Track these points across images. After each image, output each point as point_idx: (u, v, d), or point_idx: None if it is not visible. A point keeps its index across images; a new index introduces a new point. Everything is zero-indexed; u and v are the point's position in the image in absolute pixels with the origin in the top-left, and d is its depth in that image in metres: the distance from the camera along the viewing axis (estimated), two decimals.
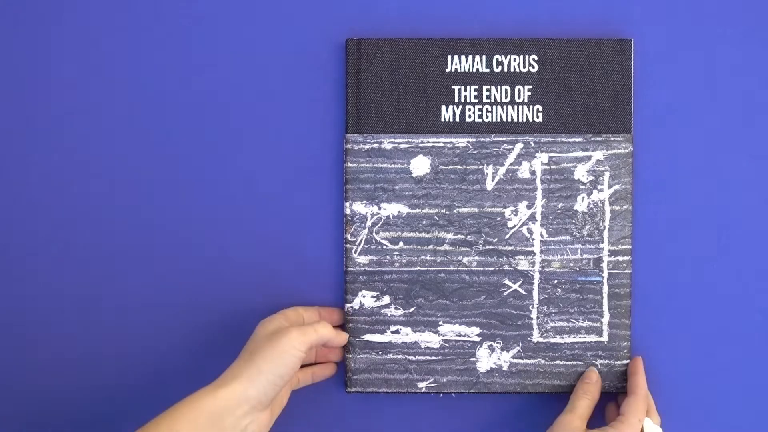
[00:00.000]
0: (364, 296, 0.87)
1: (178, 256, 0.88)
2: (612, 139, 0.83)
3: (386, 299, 0.87)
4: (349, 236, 0.86)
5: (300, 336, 0.78)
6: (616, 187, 0.83)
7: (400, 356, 0.87)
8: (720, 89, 0.84)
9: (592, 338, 0.85)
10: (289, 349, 0.77)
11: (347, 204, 0.86)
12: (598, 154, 0.83)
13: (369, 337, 0.87)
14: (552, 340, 0.85)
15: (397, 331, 0.87)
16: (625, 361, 0.84)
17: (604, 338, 0.85)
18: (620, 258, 0.84)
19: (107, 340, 0.88)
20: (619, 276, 0.84)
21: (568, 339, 0.85)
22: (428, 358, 0.87)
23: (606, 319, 0.84)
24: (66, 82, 0.87)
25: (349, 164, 0.86)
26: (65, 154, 0.87)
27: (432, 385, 0.87)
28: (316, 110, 0.88)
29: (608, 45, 0.82)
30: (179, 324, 0.88)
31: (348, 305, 0.87)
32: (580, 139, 0.83)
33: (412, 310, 0.87)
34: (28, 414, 0.88)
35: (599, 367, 0.85)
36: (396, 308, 0.87)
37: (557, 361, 0.85)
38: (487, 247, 0.85)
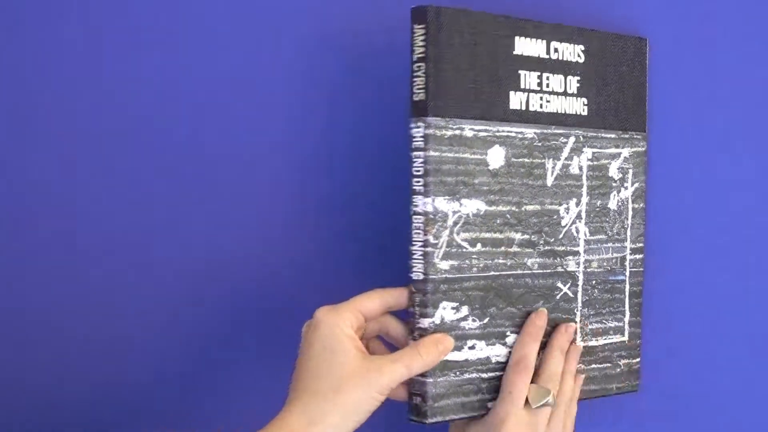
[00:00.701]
0: (445, 308, 0.74)
1: (172, 259, 0.86)
2: (635, 136, 0.84)
3: (464, 311, 0.75)
4: (430, 238, 0.73)
5: (390, 381, 0.68)
6: (636, 185, 0.85)
7: (474, 375, 0.75)
8: (729, 89, 0.86)
9: (617, 338, 0.84)
10: (377, 395, 0.68)
11: (428, 200, 0.72)
12: (626, 152, 0.84)
13: (448, 356, 0.74)
14: (589, 344, 0.82)
15: (473, 347, 0.75)
16: (638, 359, 0.85)
17: (626, 337, 0.85)
18: (637, 256, 0.85)
19: (107, 340, 0.87)
20: (636, 274, 0.85)
21: (600, 341, 0.83)
22: (497, 374, 0.77)
23: (627, 318, 0.84)
24: (67, 82, 0.86)
25: (432, 153, 0.72)
26: (66, 154, 0.87)
27: None
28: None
29: (631, 42, 0.84)
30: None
31: (428, 320, 0.72)
32: (613, 136, 0.83)
33: (486, 321, 0.76)
34: (28, 414, 0.87)
35: (621, 367, 0.84)
36: (473, 320, 0.75)
37: (592, 365, 0.83)
38: (546, 247, 0.79)
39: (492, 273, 0.75)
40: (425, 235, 0.72)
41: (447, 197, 0.73)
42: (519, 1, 0.83)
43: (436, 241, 0.72)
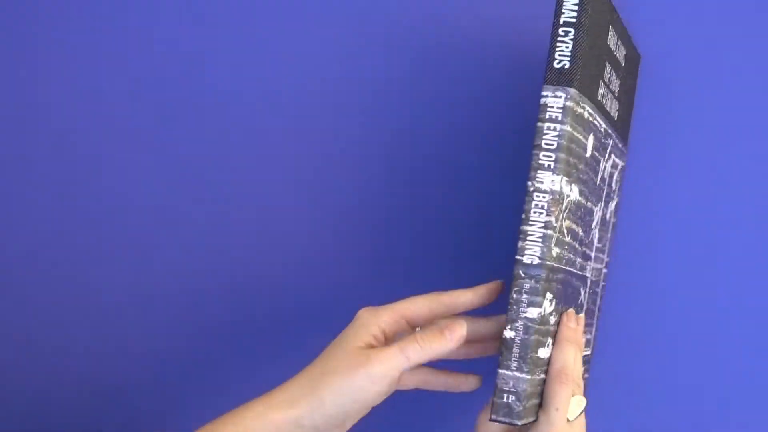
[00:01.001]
0: (548, 299, 0.68)
1: (173, 258, 0.87)
2: (624, 151, 0.86)
3: (555, 304, 0.70)
4: (553, 219, 0.67)
5: (383, 368, 0.63)
6: (617, 199, 0.86)
7: (544, 376, 0.70)
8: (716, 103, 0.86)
9: (587, 351, 0.84)
10: (365, 383, 0.63)
11: (557, 178, 0.66)
12: (621, 163, 0.85)
13: (541, 352, 0.68)
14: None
15: (549, 345, 0.70)
16: (586, 375, 0.86)
17: (590, 351, 0.85)
18: (605, 270, 0.86)
19: (107, 340, 0.86)
20: (602, 287, 0.86)
21: (586, 353, 0.82)
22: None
23: (594, 330, 0.85)
24: (67, 82, 0.86)
25: (567, 127, 0.67)
26: (67, 154, 0.87)
27: None
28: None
29: (638, 58, 0.85)
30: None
31: (537, 310, 0.67)
32: (622, 147, 0.84)
33: (557, 318, 0.72)
34: (28, 414, 0.86)
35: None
36: (554, 316, 0.70)
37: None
38: (583, 249, 0.77)
39: (568, 267, 0.70)
40: (548, 215, 0.65)
41: (566, 178, 0.66)
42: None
43: (557, 224, 0.66)
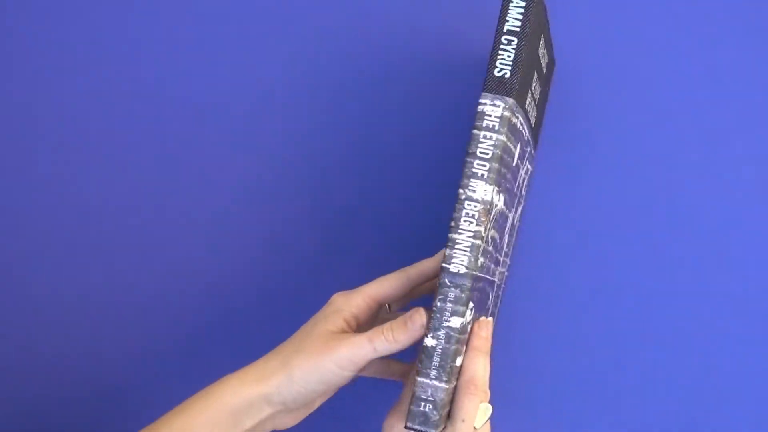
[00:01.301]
0: (471, 309, 0.68)
1: (172, 257, 0.87)
2: (534, 155, 0.86)
3: (472, 314, 0.70)
4: (482, 229, 0.67)
5: (350, 354, 0.65)
6: (523, 203, 0.86)
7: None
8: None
9: None
10: (332, 367, 0.66)
11: (489, 188, 0.66)
12: (531, 168, 0.85)
13: (458, 361, 0.68)
14: None
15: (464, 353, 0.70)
16: None
17: None
18: (507, 272, 0.86)
19: (107, 340, 0.86)
20: (502, 288, 0.86)
21: None
22: None
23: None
24: (67, 83, 0.87)
25: (502, 137, 0.66)
26: (67, 154, 0.87)
27: None
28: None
29: (553, 63, 0.85)
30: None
31: (460, 320, 0.66)
32: (533, 153, 0.84)
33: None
34: (27, 414, 0.86)
35: None
36: (469, 325, 0.70)
37: None
38: (495, 254, 0.77)
39: (486, 276, 0.70)
40: (478, 225, 0.64)
41: (497, 188, 0.66)
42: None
43: (485, 234, 0.65)
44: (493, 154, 0.64)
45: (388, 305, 0.74)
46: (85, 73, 0.87)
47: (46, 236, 0.87)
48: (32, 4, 0.87)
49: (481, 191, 0.64)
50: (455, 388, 0.68)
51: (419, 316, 0.66)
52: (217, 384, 0.66)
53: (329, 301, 0.71)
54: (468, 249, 0.64)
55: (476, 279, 0.66)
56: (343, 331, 0.68)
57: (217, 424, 0.64)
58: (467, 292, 0.64)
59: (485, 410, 0.68)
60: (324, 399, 0.70)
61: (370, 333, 0.66)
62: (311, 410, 0.70)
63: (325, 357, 0.65)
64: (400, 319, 0.66)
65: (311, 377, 0.65)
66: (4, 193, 0.87)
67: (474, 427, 0.67)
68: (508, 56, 0.64)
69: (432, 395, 0.64)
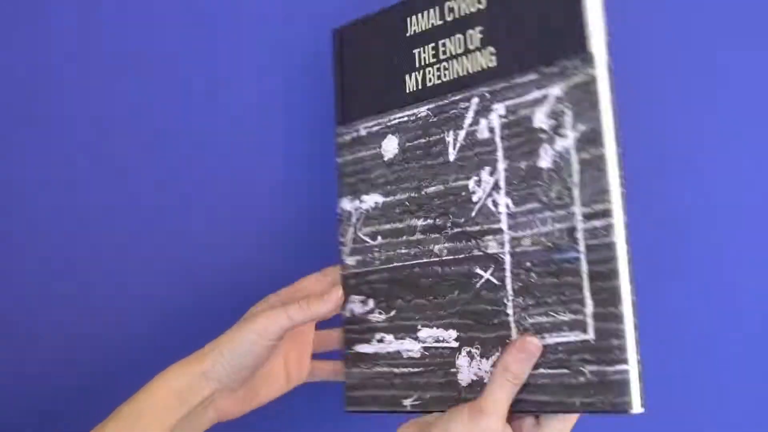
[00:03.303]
0: (354, 302, 0.76)
1: (171, 257, 0.86)
2: (568, 66, 0.64)
3: (371, 303, 0.75)
4: (340, 237, 0.78)
5: (266, 322, 0.71)
6: (583, 127, 0.64)
7: (386, 369, 0.74)
8: None
9: (576, 336, 0.64)
10: (253, 336, 0.71)
11: (339, 202, 0.78)
12: (555, 90, 0.65)
13: (359, 347, 0.76)
14: None
15: (381, 340, 0.74)
16: (620, 366, 0.61)
17: (590, 335, 0.63)
18: (597, 223, 0.63)
19: (106, 340, 0.87)
20: (600, 249, 0.62)
21: (550, 339, 0.65)
22: (411, 370, 0.72)
23: (589, 309, 0.63)
24: (66, 83, 0.87)
25: (338, 159, 0.78)
26: (65, 154, 0.87)
27: (416, 402, 0.72)
28: (314, 105, 0.84)
29: None
30: (169, 325, 0.86)
31: (343, 313, 0.77)
32: (534, 77, 0.66)
33: (392, 314, 0.74)
34: (27, 414, 0.87)
35: (588, 375, 0.63)
36: (379, 312, 0.75)
37: (540, 370, 0.65)
38: (456, 230, 0.70)
39: (395, 264, 0.75)
40: (337, 234, 0.80)
41: (350, 197, 0.78)
42: None
43: (344, 240, 0.79)
44: (336, 175, 0.81)
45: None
46: (84, 75, 0.86)
47: (45, 235, 0.86)
48: (32, 4, 0.86)
49: (336, 207, 0.81)
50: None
51: (336, 291, 0.72)
52: (159, 373, 0.72)
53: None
54: (338, 255, 0.80)
55: (358, 275, 0.78)
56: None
57: (164, 407, 0.70)
58: (346, 289, 0.79)
59: None
60: (253, 371, 0.72)
61: (286, 304, 0.72)
62: (255, 400, 0.74)
63: (245, 329, 0.71)
64: (314, 295, 0.72)
65: (237, 349, 0.71)
66: (5, 193, 0.86)
67: None
68: (337, 89, 0.82)
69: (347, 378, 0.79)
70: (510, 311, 0.66)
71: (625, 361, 0.60)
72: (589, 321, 0.62)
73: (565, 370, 0.63)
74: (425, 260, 0.71)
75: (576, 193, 0.63)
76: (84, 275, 0.87)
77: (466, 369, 0.69)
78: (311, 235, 0.85)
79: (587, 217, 0.62)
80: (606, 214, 0.61)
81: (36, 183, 0.87)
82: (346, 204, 0.76)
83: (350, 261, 0.76)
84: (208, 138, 0.87)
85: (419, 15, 0.72)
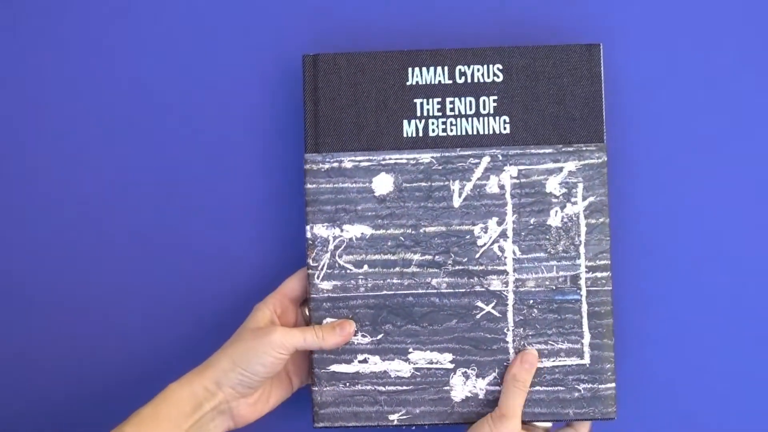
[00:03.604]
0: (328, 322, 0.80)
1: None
2: (584, 148, 0.80)
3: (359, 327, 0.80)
4: (311, 261, 0.80)
5: (283, 340, 0.76)
6: (591, 199, 0.80)
7: (369, 387, 0.79)
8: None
9: (572, 361, 0.80)
10: (269, 350, 0.75)
11: (308, 227, 0.80)
12: (570, 165, 0.80)
13: (335, 367, 0.80)
14: None
15: (365, 360, 0.80)
16: (609, 384, 0.79)
17: (586, 360, 0.80)
18: (599, 274, 0.80)
19: (106, 340, 0.87)
20: (599, 294, 0.80)
21: (547, 363, 0.80)
22: (399, 388, 0.80)
23: (587, 340, 0.80)
24: (65, 83, 0.86)
25: (309, 185, 0.80)
26: (64, 154, 0.86)
27: (404, 417, 0.80)
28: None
29: (576, 51, 0.80)
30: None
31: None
32: (550, 150, 0.80)
33: (379, 337, 0.80)
34: (27, 414, 0.87)
35: (582, 392, 0.79)
36: (363, 335, 0.80)
37: (537, 387, 0.80)
38: (457, 267, 0.80)
39: (384, 292, 0.80)
40: (308, 258, 0.81)
41: (326, 224, 0.80)
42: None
43: (316, 264, 0.81)
44: (306, 200, 0.82)
45: (308, 309, 0.81)
46: (82, 75, 0.87)
47: (45, 235, 0.87)
48: (32, 4, 0.87)
49: (305, 231, 0.82)
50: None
51: (349, 325, 0.79)
52: (174, 382, 0.76)
53: (246, 319, 0.79)
54: (307, 279, 0.82)
55: (334, 299, 0.81)
56: (272, 323, 0.78)
57: (181, 412, 0.74)
58: (314, 312, 0.80)
59: None
60: (263, 381, 0.76)
61: (304, 328, 0.77)
62: (267, 405, 0.79)
63: (261, 340, 0.75)
64: (331, 324, 0.78)
65: (251, 359, 0.75)
66: (5, 193, 0.87)
67: None
68: (304, 121, 0.83)
69: (311, 397, 0.82)
70: (509, 339, 0.80)
71: (613, 381, 0.80)
72: (586, 349, 0.80)
73: (560, 388, 0.80)
74: (421, 291, 0.80)
75: (582, 249, 0.80)
76: (83, 276, 0.87)
77: (460, 387, 0.80)
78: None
79: (590, 269, 0.80)
80: (606, 268, 0.80)
81: (36, 183, 0.87)
82: (321, 230, 0.80)
83: (325, 285, 0.80)
84: (209, 138, 0.87)
85: (423, 69, 0.81)
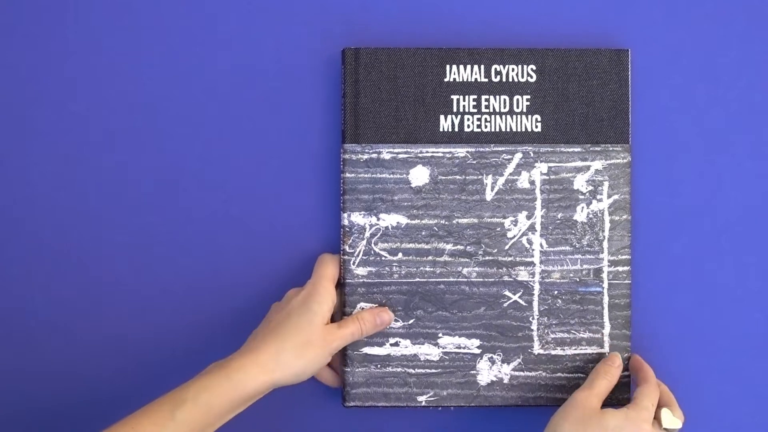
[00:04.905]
0: (363, 308, 0.83)
1: (177, 264, 0.87)
2: (611, 149, 0.84)
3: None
4: (347, 247, 0.84)
5: (339, 346, 0.80)
6: (615, 197, 0.84)
7: (399, 369, 0.83)
8: (717, 97, 0.86)
9: (593, 350, 0.84)
10: (328, 357, 0.80)
11: (345, 215, 0.83)
12: (597, 164, 0.84)
13: (367, 350, 0.83)
14: (553, 352, 0.84)
15: (396, 344, 0.84)
16: (625, 372, 0.84)
17: (605, 349, 0.84)
18: (620, 268, 0.84)
19: (106, 340, 0.87)
20: (619, 287, 0.84)
21: (569, 351, 0.84)
22: (428, 371, 0.84)
23: (607, 330, 0.84)
24: (64, 85, 0.86)
25: (347, 174, 0.84)
26: (65, 154, 0.87)
27: (432, 398, 0.83)
28: (314, 120, 0.87)
29: (606, 55, 0.84)
30: (175, 328, 0.87)
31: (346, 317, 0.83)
32: (579, 149, 0.84)
33: (411, 322, 0.84)
34: (27, 414, 0.87)
35: None
36: (395, 320, 0.83)
37: (559, 374, 0.84)
38: (487, 257, 0.84)
39: (417, 279, 0.84)
40: (343, 245, 0.84)
41: (363, 212, 0.84)
42: (507, 28, 0.88)
43: (352, 251, 0.84)
44: (343, 189, 0.85)
45: (342, 293, 0.84)
46: (82, 75, 0.87)
47: (45, 235, 0.87)
48: (32, 4, 0.87)
49: (342, 219, 0.85)
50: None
51: (387, 315, 0.83)
52: (236, 369, 0.74)
53: (317, 288, 0.80)
54: (342, 264, 0.85)
55: (369, 285, 0.85)
56: (324, 322, 0.79)
57: (236, 406, 0.75)
58: (348, 296, 0.84)
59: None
60: (322, 377, 0.83)
61: (351, 326, 0.80)
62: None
63: (325, 350, 0.78)
64: (368, 313, 0.82)
65: (314, 366, 0.78)
66: (5, 193, 0.87)
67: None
68: (343, 113, 0.86)
69: (343, 378, 0.86)
70: (534, 327, 0.85)
71: (627, 369, 0.85)
72: (606, 339, 0.85)
73: (581, 374, 0.84)
74: (452, 279, 0.84)
75: (605, 244, 0.85)
76: (82, 275, 0.87)
77: (486, 372, 0.84)
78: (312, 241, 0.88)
79: (612, 263, 0.85)
80: (627, 263, 0.85)
81: (36, 182, 0.87)
82: (358, 218, 0.84)
83: (360, 271, 0.84)
84: (211, 148, 0.88)
85: (461, 66, 0.85)
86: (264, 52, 0.87)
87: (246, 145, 0.87)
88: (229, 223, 0.87)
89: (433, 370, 0.84)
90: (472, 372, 0.84)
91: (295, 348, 0.77)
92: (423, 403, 0.84)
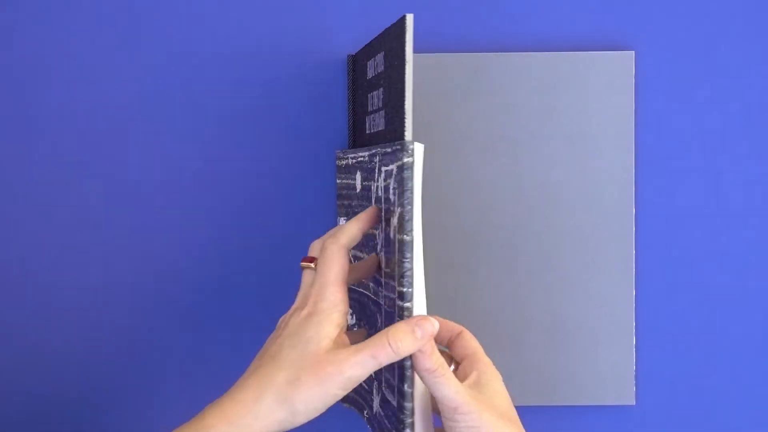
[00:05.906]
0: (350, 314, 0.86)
1: (174, 267, 0.88)
2: (397, 148, 0.67)
3: (352, 319, 0.85)
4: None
5: (355, 377, 0.61)
6: (400, 209, 0.65)
7: None
8: (720, 100, 0.86)
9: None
10: (338, 392, 0.61)
11: (339, 220, 0.86)
12: (394, 168, 0.68)
13: None
14: None
15: None
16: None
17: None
18: (405, 304, 0.65)
19: (106, 340, 0.87)
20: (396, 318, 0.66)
21: None
22: None
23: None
24: (65, 84, 0.86)
25: (337, 181, 0.86)
26: (65, 154, 0.86)
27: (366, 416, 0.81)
28: (315, 125, 0.88)
29: (393, 30, 0.67)
30: (173, 329, 0.89)
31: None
32: (389, 150, 0.69)
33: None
34: (27, 414, 0.87)
35: None
36: (357, 326, 0.84)
37: None
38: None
39: (361, 290, 0.82)
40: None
41: (345, 218, 0.86)
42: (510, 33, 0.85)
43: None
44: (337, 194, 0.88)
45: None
46: (82, 75, 0.84)
47: (45, 235, 0.85)
48: (32, 4, 0.84)
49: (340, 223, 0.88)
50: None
51: (430, 324, 0.61)
52: (206, 428, 0.59)
53: (305, 313, 0.64)
54: None
55: (351, 291, 0.87)
56: (337, 343, 0.62)
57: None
58: None
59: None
60: None
61: (371, 347, 0.60)
62: None
63: (329, 383, 0.59)
64: (406, 327, 0.61)
65: (316, 405, 0.60)
66: (5, 193, 0.85)
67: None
68: (351, 114, 0.88)
69: None
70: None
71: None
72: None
73: None
74: (368, 294, 0.77)
75: (396, 269, 0.66)
76: (85, 276, 0.88)
77: None
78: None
79: (399, 295, 0.65)
80: (407, 296, 0.64)
81: (37, 183, 0.88)
82: (341, 223, 0.84)
83: None
84: (210, 152, 0.88)
85: (373, 60, 0.76)
86: (268, 58, 0.87)
87: (245, 150, 0.88)
88: (225, 228, 0.87)
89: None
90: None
91: (278, 391, 0.60)
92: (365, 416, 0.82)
